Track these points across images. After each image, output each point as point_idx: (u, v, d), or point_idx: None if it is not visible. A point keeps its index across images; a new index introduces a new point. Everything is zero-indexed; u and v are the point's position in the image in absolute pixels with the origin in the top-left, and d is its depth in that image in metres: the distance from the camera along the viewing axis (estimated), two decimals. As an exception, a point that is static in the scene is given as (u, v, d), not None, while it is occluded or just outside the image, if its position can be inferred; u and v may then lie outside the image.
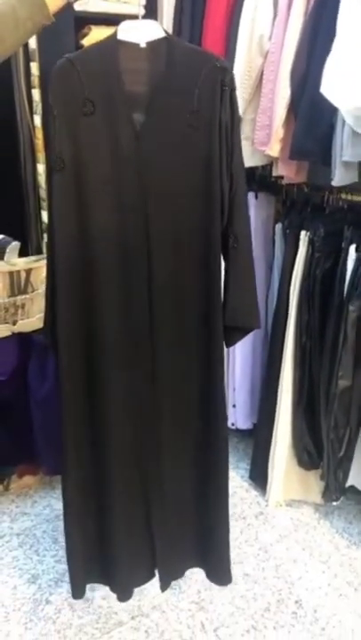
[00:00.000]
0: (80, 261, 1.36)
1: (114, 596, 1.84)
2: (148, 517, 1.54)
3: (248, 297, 1.45)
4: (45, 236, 2.85)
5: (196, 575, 1.85)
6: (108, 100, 1.27)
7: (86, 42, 2.36)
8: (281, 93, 1.87)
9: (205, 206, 1.34)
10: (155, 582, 1.62)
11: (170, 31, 2.32)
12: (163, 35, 1.28)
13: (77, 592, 1.59)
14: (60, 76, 1.27)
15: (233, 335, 1.48)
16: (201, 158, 1.31)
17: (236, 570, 1.96)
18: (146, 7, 2.26)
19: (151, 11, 2.32)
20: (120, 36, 1.28)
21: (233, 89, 1.29)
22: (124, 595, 1.62)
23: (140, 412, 1.46)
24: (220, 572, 1.66)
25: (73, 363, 1.42)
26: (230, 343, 1.49)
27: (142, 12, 2.24)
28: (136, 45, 1.28)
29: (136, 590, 1.82)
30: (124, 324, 1.39)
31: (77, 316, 1.39)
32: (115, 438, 1.47)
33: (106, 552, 1.57)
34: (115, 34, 1.28)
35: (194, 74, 1.26)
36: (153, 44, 1.28)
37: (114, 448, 1.47)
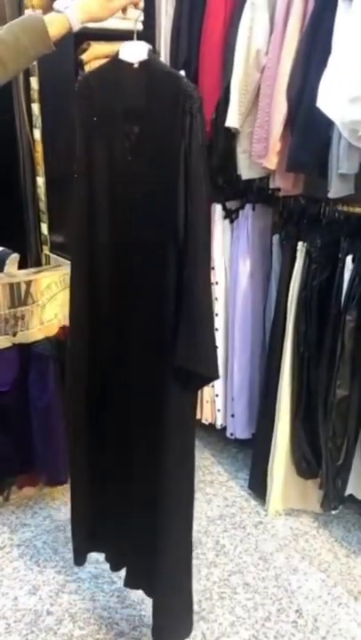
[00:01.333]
0: (86, 273, 1.43)
1: (115, 606, 1.86)
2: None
3: (199, 339, 1.33)
4: (45, 247, 2.87)
5: (195, 585, 1.85)
6: (108, 114, 1.34)
7: (85, 57, 2.40)
8: (278, 107, 1.90)
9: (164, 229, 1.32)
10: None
11: (167, 47, 2.36)
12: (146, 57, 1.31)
13: (78, 559, 1.71)
14: (79, 91, 1.39)
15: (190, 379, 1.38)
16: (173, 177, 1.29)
17: (236, 579, 1.97)
18: (144, 23, 2.29)
19: (149, 27, 2.35)
20: (120, 55, 1.32)
21: (193, 115, 1.24)
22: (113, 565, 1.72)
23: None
24: (159, 620, 1.56)
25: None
26: (189, 386, 1.40)
27: (140, 27, 2.28)
28: (131, 65, 1.32)
29: (136, 600, 1.83)
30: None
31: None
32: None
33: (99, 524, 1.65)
34: (117, 53, 1.33)
35: (167, 95, 1.28)
36: (142, 64, 1.32)
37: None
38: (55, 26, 1.22)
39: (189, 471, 1.48)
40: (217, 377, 1.37)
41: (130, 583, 1.67)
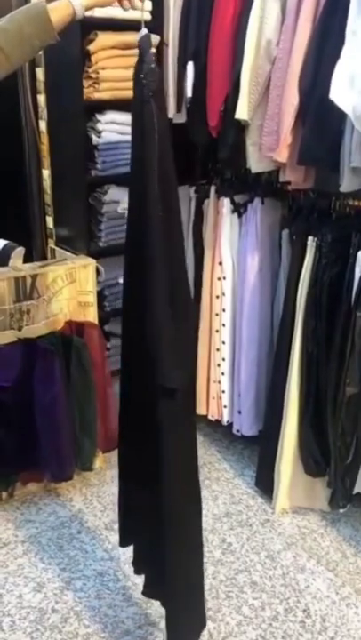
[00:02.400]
0: None
1: (120, 605, 1.85)
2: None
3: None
4: (50, 241, 2.85)
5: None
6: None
7: (92, 48, 2.36)
8: (289, 99, 1.86)
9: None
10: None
11: (176, 38, 2.32)
12: None
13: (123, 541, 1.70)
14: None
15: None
16: None
17: (243, 578, 1.95)
18: (152, 13, 2.26)
19: (158, 16, 2.31)
20: None
21: (144, 101, 1.20)
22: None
23: None
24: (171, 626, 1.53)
25: None
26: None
27: (148, 17, 2.24)
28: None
29: (142, 598, 1.81)
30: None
31: None
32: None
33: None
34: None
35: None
36: None
37: None
38: (58, 12, 1.18)
39: (194, 491, 1.49)
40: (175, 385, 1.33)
41: (146, 592, 1.68)
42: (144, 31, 1.25)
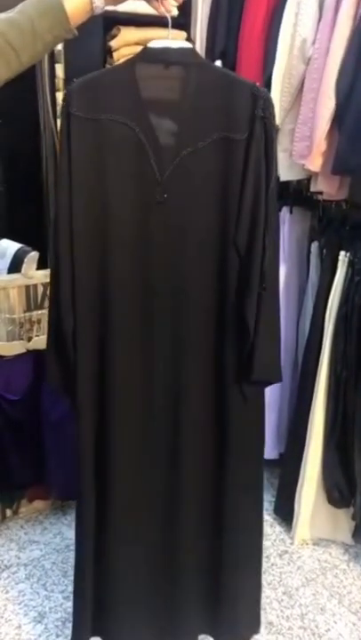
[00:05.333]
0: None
1: None
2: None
3: (273, 349, 1.29)
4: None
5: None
6: None
7: (115, 44, 2.25)
8: (325, 103, 1.73)
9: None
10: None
11: (204, 35, 2.19)
12: None
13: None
14: None
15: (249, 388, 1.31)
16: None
17: (258, 618, 1.82)
18: (179, 8, 2.12)
19: (185, 12, 2.19)
20: None
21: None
22: None
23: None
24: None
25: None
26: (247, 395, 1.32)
27: (175, 13, 2.11)
28: None
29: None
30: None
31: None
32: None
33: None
34: None
35: None
36: None
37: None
38: (74, 5, 1.06)
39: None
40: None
41: None
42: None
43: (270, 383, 1.33)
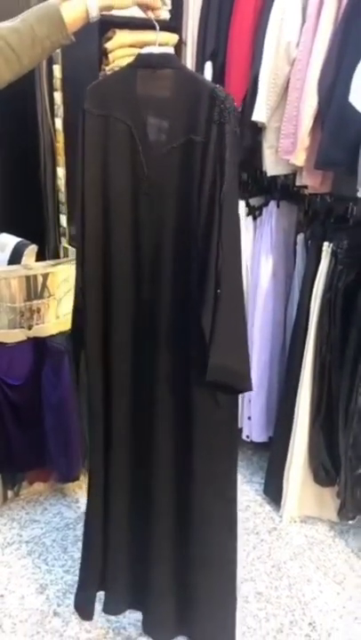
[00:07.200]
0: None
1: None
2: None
3: (232, 354, 1.28)
4: (63, 239, 2.83)
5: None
6: None
7: (110, 45, 2.33)
8: (308, 101, 1.83)
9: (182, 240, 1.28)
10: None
11: (195, 37, 2.29)
12: None
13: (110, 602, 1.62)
14: None
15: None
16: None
17: (248, 588, 1.92)
18: (171, 12, 2.23)
19: (177, 15, 2.29)
20: None
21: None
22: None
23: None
24: None
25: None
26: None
27: (167, 16, 2.21)
28: None
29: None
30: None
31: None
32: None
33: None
34: None
35: None
36: None
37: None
38: (71, 12, 1.16)
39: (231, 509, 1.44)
40: (250, 389, 1.32)
41: (150, 629, 1.58)
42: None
43: (236, 390, 1.33)
